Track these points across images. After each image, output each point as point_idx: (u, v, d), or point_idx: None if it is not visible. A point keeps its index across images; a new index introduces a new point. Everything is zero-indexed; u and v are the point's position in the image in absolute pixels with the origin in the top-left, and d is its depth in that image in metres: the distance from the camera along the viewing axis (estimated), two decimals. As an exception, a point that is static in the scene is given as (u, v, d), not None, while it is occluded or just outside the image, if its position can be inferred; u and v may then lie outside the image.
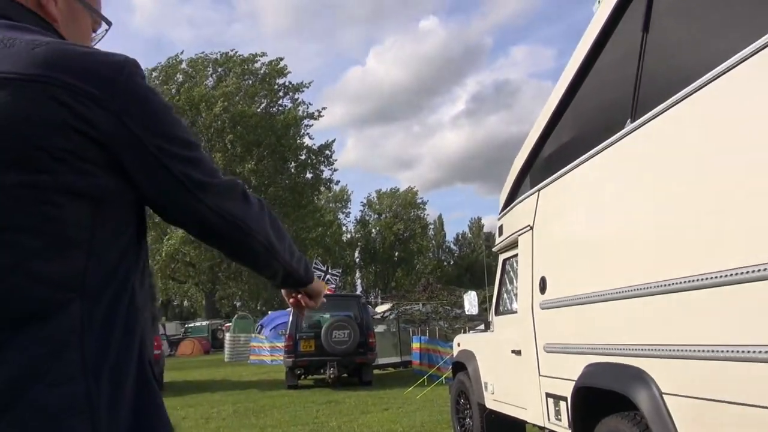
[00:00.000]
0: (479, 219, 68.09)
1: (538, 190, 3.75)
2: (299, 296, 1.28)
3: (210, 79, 32.10)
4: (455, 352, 5.96)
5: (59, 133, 0.78)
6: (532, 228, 3.81)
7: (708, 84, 2.11)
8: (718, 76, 2.05)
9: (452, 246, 68.27)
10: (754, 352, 1.84)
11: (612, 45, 3.04)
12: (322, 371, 11.38)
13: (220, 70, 32.19)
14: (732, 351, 1.95)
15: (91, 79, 0.81)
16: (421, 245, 60.92)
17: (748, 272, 1.86)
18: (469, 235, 68.13)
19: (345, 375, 11.76)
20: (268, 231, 1.02)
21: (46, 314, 0.77)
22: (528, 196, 3.94)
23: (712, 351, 2.04)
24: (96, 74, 0.82)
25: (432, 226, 64.78)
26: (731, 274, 1.94)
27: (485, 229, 64.75)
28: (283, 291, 1.30)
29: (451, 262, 66.11)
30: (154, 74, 30.59)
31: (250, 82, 32.63)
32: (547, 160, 3.81)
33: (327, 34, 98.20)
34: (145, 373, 0.87)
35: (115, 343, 0.82)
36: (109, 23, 1.07)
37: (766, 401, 1.81)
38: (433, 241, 65.45)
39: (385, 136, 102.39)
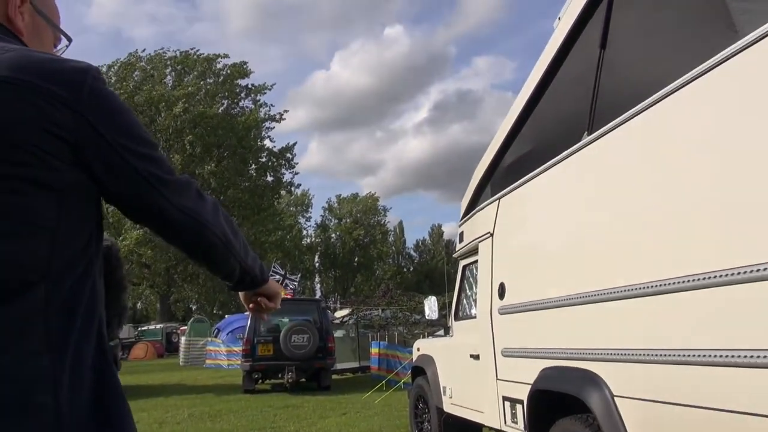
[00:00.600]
0: (439, 226, 68.73)
1: (499, 199, 3.85)
2: (258, 299, 1.29)
3: (169, 77, 31.50)
4: (415, 357, 6.02)
5: (29, 131, 0.83)
6: (492, 235, 3.90)
7: (661, 100, 2.23)
8: (671, 93, 2.17)
9: (412, 252, 68.65)
10: (702, 356, 1.95)
11: (570, 60, 3.15)
12: (280, 375, 11.29)
13: (179, 68, 31.60)
14: (681, 355, 2.06)
15: (60, 83, 0.87)
16: (381, 251, 61.05)
17: (697, 280, 1.97)
18: (429, 242, 68.64)
19: (303, 380, 11.70)
20: (224, 226, 1.07)
21: (13, 294, 0.82)
22: (488, 204, 4.04)
23: (662, 355, 2.15)
24: (63, 78, 0.88)
25: (392, 233, 65.03)
26: (681, 282, 2.05)
27: (445, 236, 65.44)
28: (241, 296, 1.31)
29: (411, 269, 66.44)
30: (111, 71, 29.84)
31: (211, 81, 32.17)
32: (508, 169, 3.91)
33: (291, 37, 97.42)
34: (104, 355, 0.93)
35: (77, 325, 0.87)
36: (69, 39, 1.14)
37: (712, 402, 1.92)
38: (393, 247, 65.69)
39: (349, 141, 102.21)
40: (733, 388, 1.83)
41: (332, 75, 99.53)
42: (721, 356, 1.85)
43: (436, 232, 68.38)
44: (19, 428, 0.78)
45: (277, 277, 16.06)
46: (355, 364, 14.22)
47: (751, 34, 1.83)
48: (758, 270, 1.71)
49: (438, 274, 56.47)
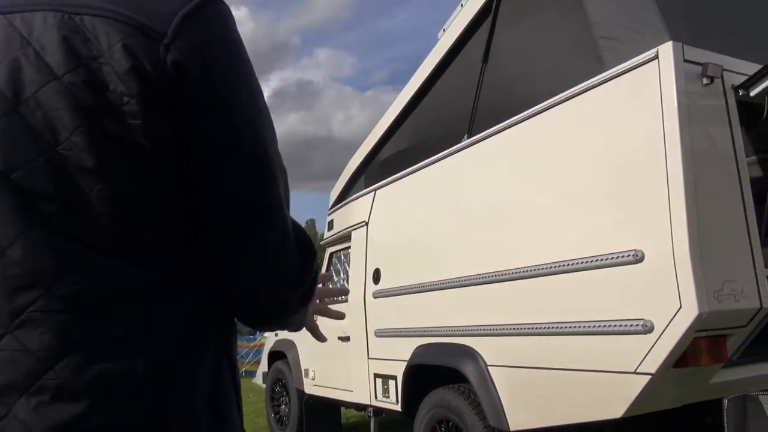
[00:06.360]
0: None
1: (375, 190, 4.10)
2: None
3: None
4: (271, 343, 6.08)
5: None
6: (366, 224, 4.14)
7: (536, 115, 2.62)
8: (544, 110, 2.57)
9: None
10: (557, 327, 2.38)
11: (453, 69, 3.50)
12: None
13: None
14: (540, 327, 2.47)
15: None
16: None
17: (545, 268, 2.39)
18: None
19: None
20: None
21: None
22: (364, 195, 4.27)
23: (525, 328, 2.56)
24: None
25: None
26: (533, 269, 2.46)
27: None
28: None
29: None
30: None
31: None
32: (384, 163, 4.18)
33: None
34: None
35: None
36: None
37: (565, 364, 2.35)
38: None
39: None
40: (571, 351, 2.29)
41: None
42: (559, 327, 2.30)
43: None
44: None
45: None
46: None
47: (615, 68, 2.27)
48: (587, 261, 2.15)
49: (272, 263, 55.67)
